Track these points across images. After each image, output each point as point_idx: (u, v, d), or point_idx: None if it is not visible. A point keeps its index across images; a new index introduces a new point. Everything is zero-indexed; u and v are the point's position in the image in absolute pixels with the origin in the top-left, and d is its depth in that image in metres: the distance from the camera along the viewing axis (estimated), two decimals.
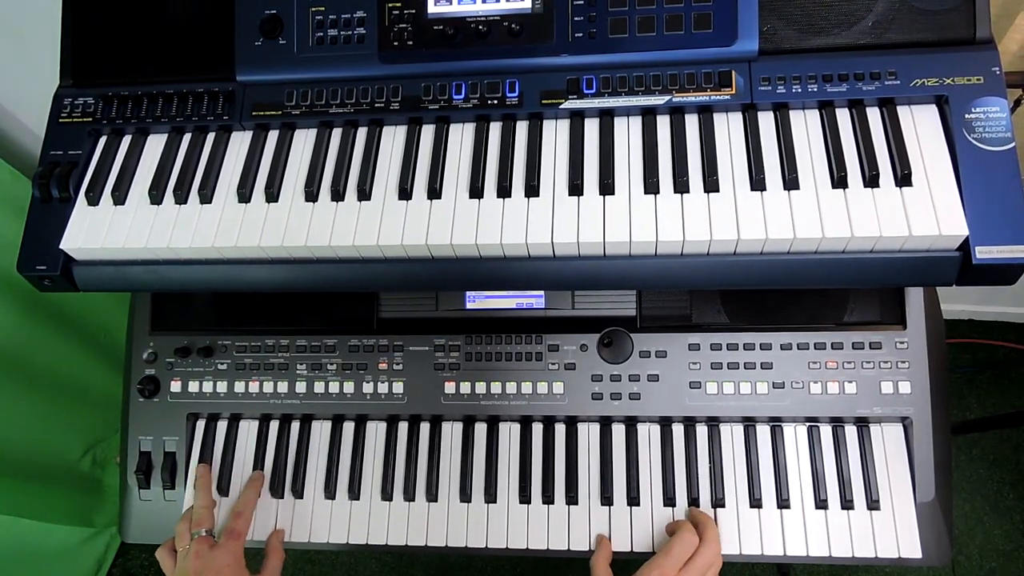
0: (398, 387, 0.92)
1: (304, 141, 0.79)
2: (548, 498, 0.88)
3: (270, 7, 0.78)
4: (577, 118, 0.75)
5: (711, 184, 0.69)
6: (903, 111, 0.70)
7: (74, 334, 1.46)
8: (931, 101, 0.70)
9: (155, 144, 0.81)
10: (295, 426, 0.94)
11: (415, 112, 0.77)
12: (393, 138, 0.77)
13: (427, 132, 0.77)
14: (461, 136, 0.76)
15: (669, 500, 0.86)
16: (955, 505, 1.44)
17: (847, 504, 0.84)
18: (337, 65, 0.77)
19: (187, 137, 0.81)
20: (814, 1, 0.71)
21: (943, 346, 0.87)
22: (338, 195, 0.75)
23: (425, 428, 0.92)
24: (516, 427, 0.91)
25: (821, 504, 0.84)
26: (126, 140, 0.81)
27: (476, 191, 0.72)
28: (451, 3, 0.76)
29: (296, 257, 0.75)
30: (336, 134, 0.79)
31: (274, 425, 0.95)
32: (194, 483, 0.91)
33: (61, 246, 0.76)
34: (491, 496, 0.89)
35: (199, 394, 0.95)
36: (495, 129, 0.76)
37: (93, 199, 0.78)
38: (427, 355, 0.93)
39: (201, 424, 0.96)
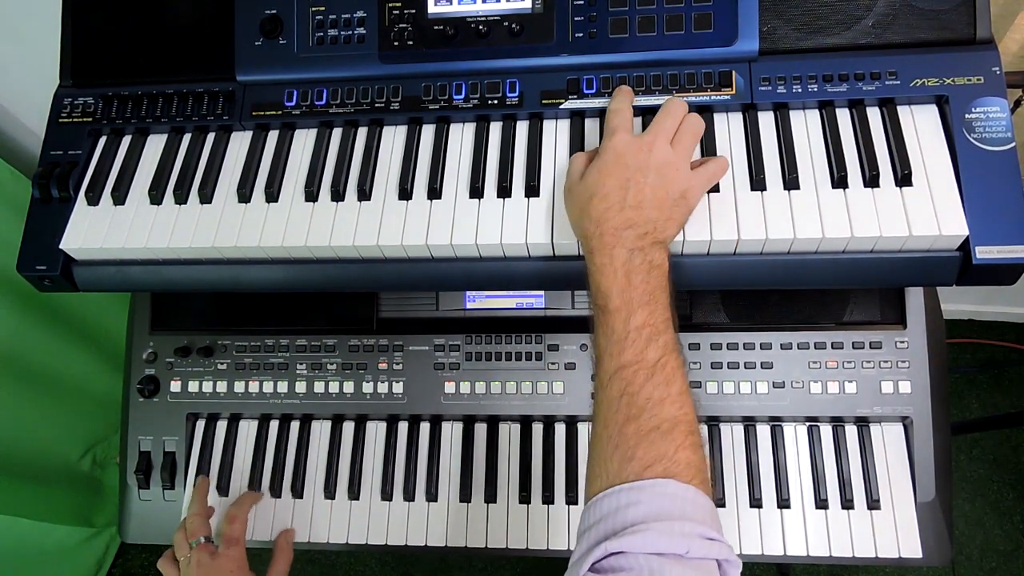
0: (398, 387, 0.92)
1: (304, 141, 0.79)
2: (548, 498, 0.88)
3: (270, 7, 0.78)
4: (577, 118, 0.75)
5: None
6: (903, 111, 0.70)
7: (74, 334, 1.46)
8: (931, 101, 0.70)
9: (155, 144, 0.81)
10: (295, 426, 0.94)
11: (415, 112, 0.77)
12: (393, 138, 0.77)
13: (427, 132, 0.77)
14: (461, 136, 0.76)
15: None
16: (955, 505, 1.44)
17: (847, 504, 0.84)
18: (337, 65, 0.77)
19: (187, 137, 0.81)
20: (814, 1, 0.71)
21: (943, 346, 0.87)
22: (338, 195, 0.75)
23: (425, 428, 0.92)
24: (516, 427, 0.91)
25: (821, 504, 0.84)
26: (126, 140, 0.81)
27: (476, 191, 0.72)
28: (451, 3, 0.75)
29: (296, 257, 0.75)
30: (336, 134, 0.79)
31: (274, 425, 0.95)
32: (193, 491, 0.91)
33: (61, 246, 0.76)
34: (491, 496, 0.88)
35: (199, 394, 0.95)
36: (495, 129, 0.76)
37: (93, 199, 0.78)
38: (427, 355, 0.93)
39: (201, 424, 0.96)
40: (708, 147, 0.71)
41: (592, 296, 0.63)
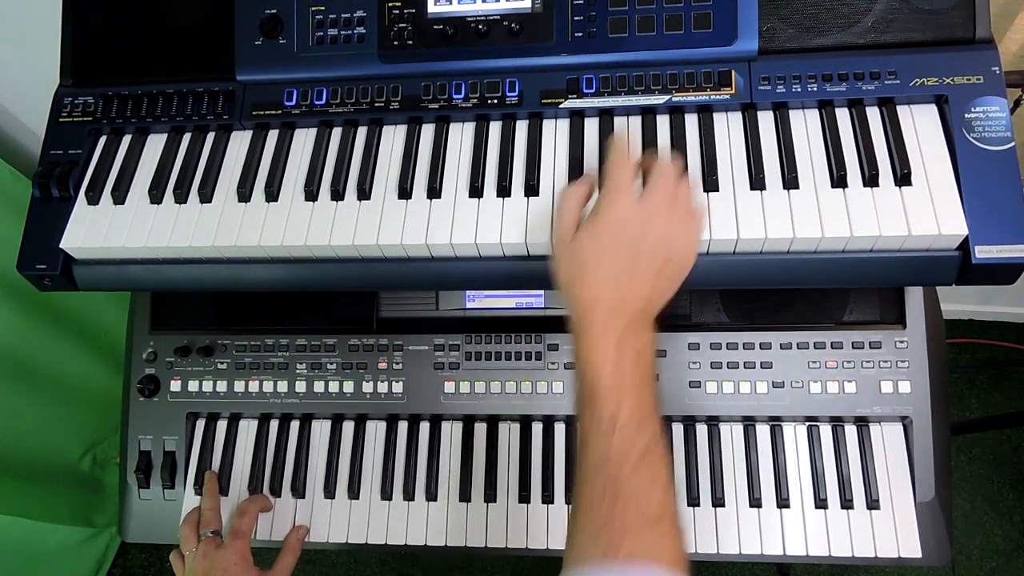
0: (398, 387, 0.92)
1: (304, 140, 0.79)
2: (548, 498, 0.88)
3: (270, 7, 0.78)
4: (577, 118, 0.75)
5: (710, 183, 0.69)
6: (903, 111, 0.70)
7: (74, 334, 1.46)
8: (931, 101, 0.70)
9: (155, 144, 0.81)
10: (295, 426, 0.94)
11: (415, 112, 0.77)
12: (393, 137, 0.77)
13: (427, 131, 0.77)
14: (461, 135, 0.76)
15: None
16: (955, 505, 1.44)
17: (847, 504, 0.84)
18: (337, 65, 0.77)
19: (187, 137, 0.81)
20: (814, 1, 0.71)
21: (943, 346, 0.87)
22: (338, 194, 0.75)
23: (425, 428, 0.93)
24: (516, 427, 0.91)
25: (821, 504, 0.84)
26: (126, 140, 0.81)
27: (476, 190, 0.72)
28: (451, 3, 0.76)
29: (296, 256, 0.75)
30: (336, 133, 0.79)
31: (274, 425, 0.95)
32: (203, 488, 0.91)
33: (61, 245, 0.76)
34: (491, 496, 0.88)
35: (199, 393, 0.95)
36: (495, 128, 0.76)
37: (93, 198, 0.78)
38: (427, 355, 0.93)
39: (201, 423, 0.96)
40: (708, 147, 0.71)
41: (578, 376, 0.59)
